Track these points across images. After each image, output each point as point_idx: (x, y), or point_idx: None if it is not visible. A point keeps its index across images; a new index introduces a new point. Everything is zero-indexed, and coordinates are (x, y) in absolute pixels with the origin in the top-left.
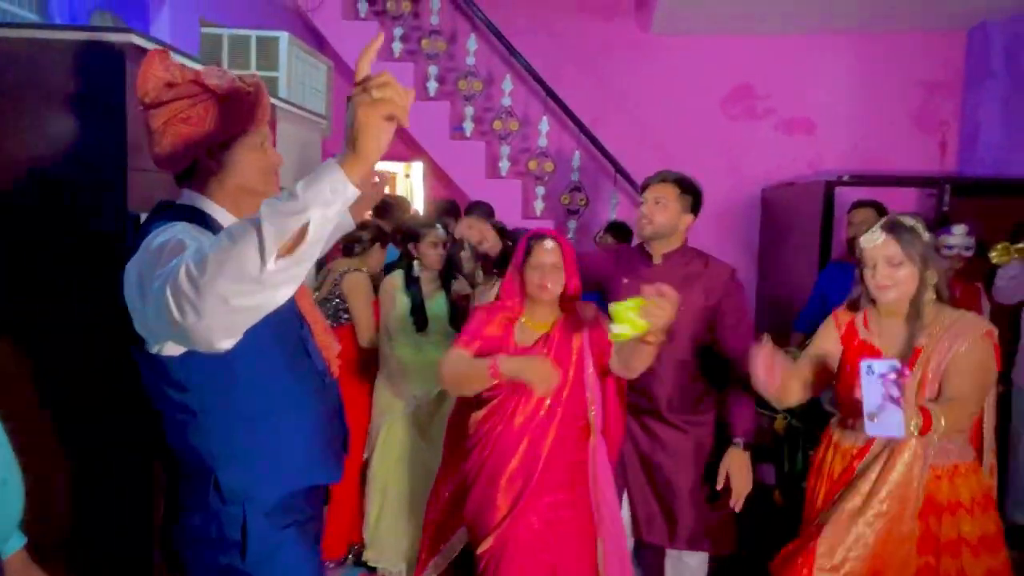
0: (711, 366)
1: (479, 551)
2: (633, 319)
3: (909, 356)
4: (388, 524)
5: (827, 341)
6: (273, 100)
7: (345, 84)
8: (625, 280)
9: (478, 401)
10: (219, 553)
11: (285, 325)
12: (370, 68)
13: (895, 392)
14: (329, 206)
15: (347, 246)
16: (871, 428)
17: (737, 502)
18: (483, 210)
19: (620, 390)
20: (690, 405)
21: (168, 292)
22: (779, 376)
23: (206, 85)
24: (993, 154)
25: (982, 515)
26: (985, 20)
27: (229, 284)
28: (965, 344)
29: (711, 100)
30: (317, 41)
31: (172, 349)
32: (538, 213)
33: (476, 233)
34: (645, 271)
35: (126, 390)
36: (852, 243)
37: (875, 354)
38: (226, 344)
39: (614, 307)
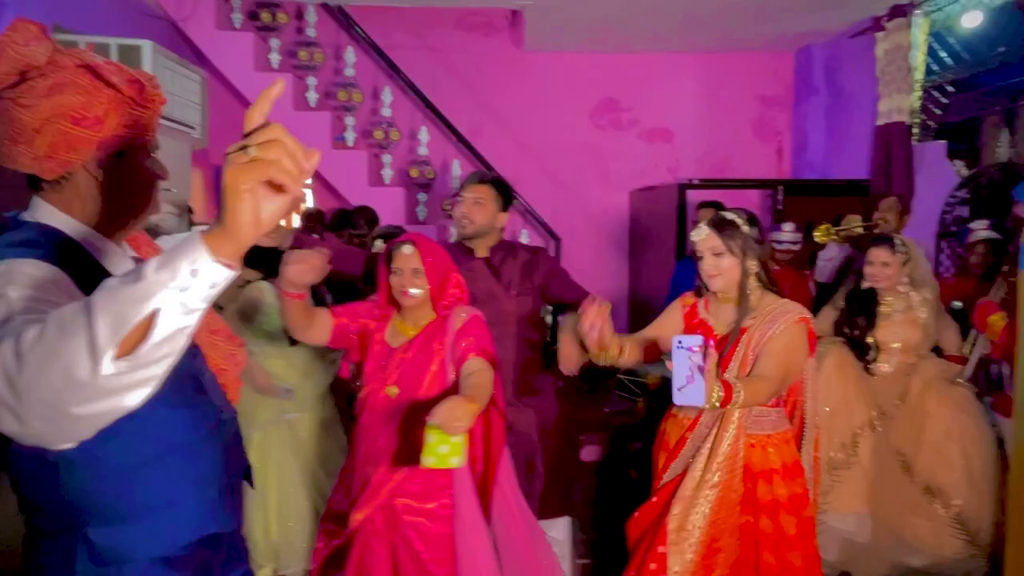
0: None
1: (350, 527)
2: (443, 452)
3: (736, 336)
4: (281, 532)
5: (671, 317)
6: None
7: (224, 94)
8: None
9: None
10: None
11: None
12: (263, 119)
13: (701, 363)
14: (187, 291)
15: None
16: (677, 398)
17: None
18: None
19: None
20: (532, 382)
21: None
22: (601, 334)
23: (108, 81)
24: (819, 160)
25: (792, 480)
26: (809, 43)
27: (55, 390)
28: (780, 327)
29: (581, 112)
30: (194, 51)
31: None
32: (421, 219)
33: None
34: (472, 264)
35: None
36: None
37: (708, 332)
38: (69, 446)
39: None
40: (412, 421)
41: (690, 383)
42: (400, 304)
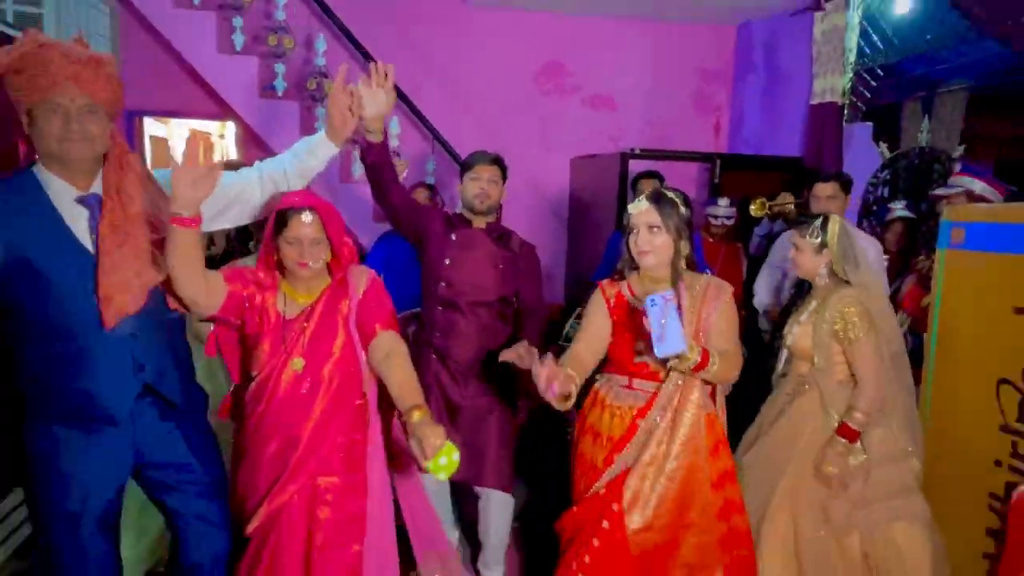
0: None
1: (247, 531)
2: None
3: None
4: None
5: (597, 317)
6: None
7: (140, 32)
8: (454, 236)
9: (247, 378)
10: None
11: (66, 280)
12: None
13: (672, 312)
14: None
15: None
16: (659, 349)
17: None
18: None
19: None
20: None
21: None
22: (560, 387)
23: None
24: (755, 136)
25: (726, 455)
26: (750, 19)
27: None
28: (722, 304)
29: (525, 74)
30: None
31: None
32: (356, 177)
33: None
34: (472, 233)
35: None
36: None
37: (641, 317)
38: None
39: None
40: (326, 392)
41: (666, 332)
42: (292, 273)
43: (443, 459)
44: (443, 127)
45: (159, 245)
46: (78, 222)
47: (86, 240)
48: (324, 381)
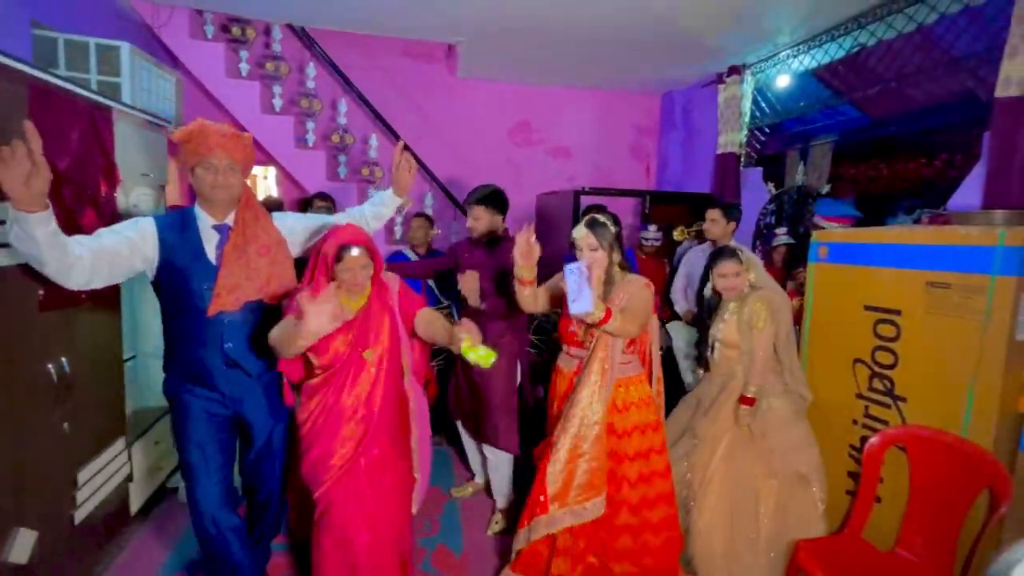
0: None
1: (316, 494)
2: (480, 355)
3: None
4: None
5: (554, 282)
6: (115, 104)
7: (197, 96)
8: (466, 254)
9: (310, 371)
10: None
11: (192, 280)
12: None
13: (585, 278)
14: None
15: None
16: (573, 307)
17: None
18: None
19: (425, 345)
20: (498, 336)
21: None
22: (531, 259)
23: (172, 139)
24: (677, 177)
25: (646, 409)
26: (671, 89)
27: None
28: (633, 290)
29: (502, 130)
30: (170, 56)
31: (150, 275)
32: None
33: None
34: (477, 251)
35: None
36: None
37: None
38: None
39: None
40: (384, 373)
41: (579, 296)
42: (347, 288)
43: (481, 351)
44: (439, 171)
45: (264, 261)
46: (211, 242)
47: (212, 255)
48: (384, 364)
